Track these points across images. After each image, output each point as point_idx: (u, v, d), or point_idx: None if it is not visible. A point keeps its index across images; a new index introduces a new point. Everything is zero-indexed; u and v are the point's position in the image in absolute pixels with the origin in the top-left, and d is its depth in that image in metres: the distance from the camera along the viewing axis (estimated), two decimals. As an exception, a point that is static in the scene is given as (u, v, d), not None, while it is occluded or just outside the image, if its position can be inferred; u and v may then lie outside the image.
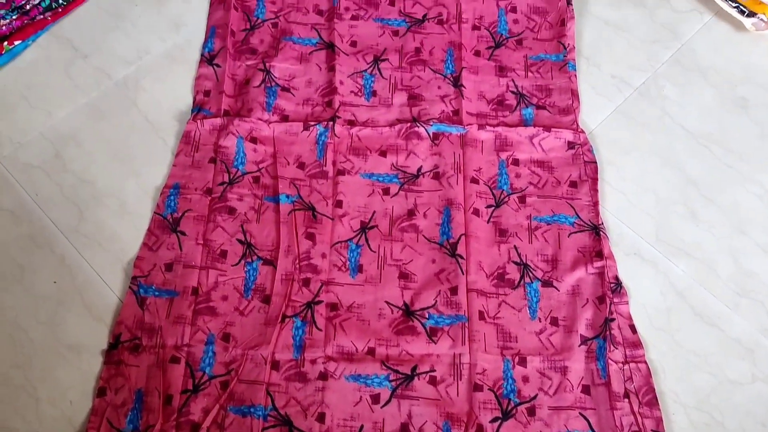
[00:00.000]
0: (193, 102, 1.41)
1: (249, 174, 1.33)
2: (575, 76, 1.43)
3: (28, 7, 1.43)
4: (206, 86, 1.43)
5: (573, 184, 1.32)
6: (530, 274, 1.24)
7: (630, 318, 1.20)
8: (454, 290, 1.21)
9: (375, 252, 1.26)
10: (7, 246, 1.26)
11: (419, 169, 1.34)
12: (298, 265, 1.23)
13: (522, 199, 1.31)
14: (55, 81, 1.44)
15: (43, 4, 1.46)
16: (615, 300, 1.21)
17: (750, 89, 1.43)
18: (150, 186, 1.32)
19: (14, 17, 1.42)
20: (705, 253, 1.27)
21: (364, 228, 1.28)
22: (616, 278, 1.24)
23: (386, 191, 1.32)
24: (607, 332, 1.17)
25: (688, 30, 1.50)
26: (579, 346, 1.17)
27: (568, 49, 1.45)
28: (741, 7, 1.47)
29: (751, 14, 1.46)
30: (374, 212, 1.30)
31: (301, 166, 1.34)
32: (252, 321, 1.20)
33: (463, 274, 1.22)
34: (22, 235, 1.27)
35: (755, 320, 1.21)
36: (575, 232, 1.27)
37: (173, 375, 1.14)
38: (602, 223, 1.28)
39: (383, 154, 1.35)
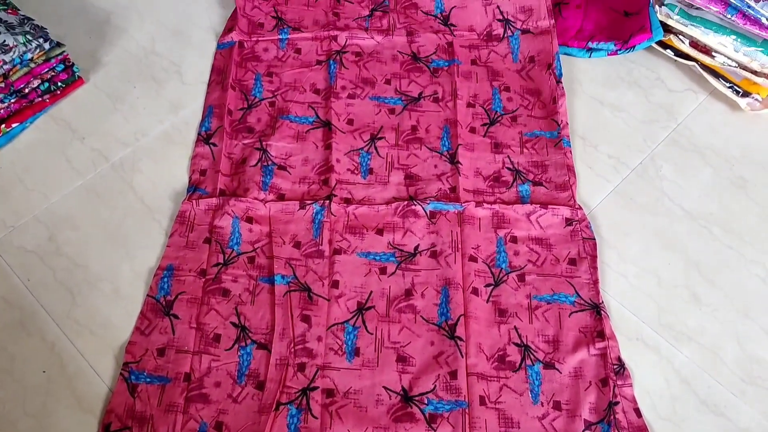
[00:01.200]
0: (189, 181, 1.41)
1: (244, 254, 1.31)
2: (570, 152, 1.43)
3: (26, 90, 1.45)
4: (202, 165, 1.43)
5: (572, 262, 1.30)
6: (531, 356, 1.21)
7: (635, 401, 1.17)
8: (453, 374, 1.18)
9: (372, 334, 1.23)
10: (-3, 334, 1.24)
11: (416, 248, 1.32)
12: (293, 349, 1.21)
13: (521, 278, 1.29)
14: (53, 163, 1.44)
15: (41, 87, 1.47)
16: (619, 382, 1.18)
17: (748, 168, 1.43)
18: (144, 269, 1.31)
19: (12, 100, 1.43)
20: (709, 338, 1.24)
21: (361, 309, 1.26)
22: (619, 359, 1.20)
23: (383, 270, 1.30)
24: (612, 417, 1.14)
25: (684, 110, 1.51)
26: (583, 431, 1.13)
27: (561, 126, 1.46)
28: (735, 87, 1.48)
29: (746, 94, 1.47)
30: (371, 292, 1.28)
31: (297, 245, 1.33)
32: (245, 409, 1.16)
33: (462, 357, 1.19)
34: (14, 321, 1.24)
35: (763, 408, 1.17)
36: (576, 312, 1.25)
37: (164, 468, 1.10)
38: (602, 302, 1.26)
39: (380, 232, 1.34)
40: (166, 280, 1.28)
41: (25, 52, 1.38)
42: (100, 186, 1.41)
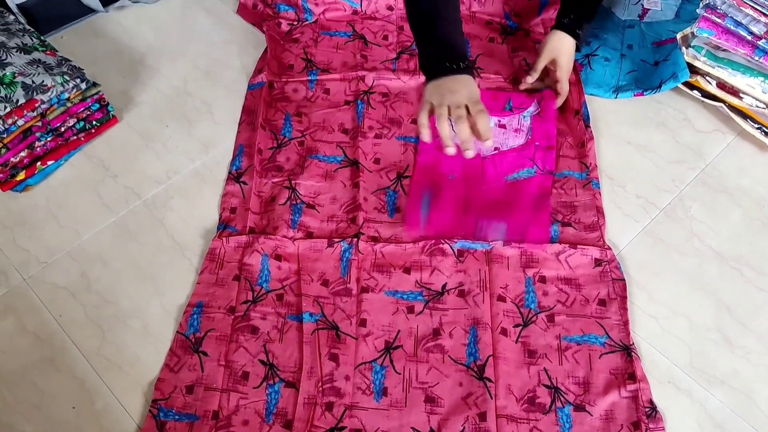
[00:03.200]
0: (219, 219, 1.43)
1: (273, 292, 1.32)
2: (599, 193, 1.43)
3: (62, 129, 1.48)
4: (232, 203, 1.45)
5: (602, 303, 1.29)
6: (562, 398, 1.19)
7: (668, 446, 1.15)
8: (482, 416, 1.17)
9: (400, 374, 1.23)
10: (29, 370, 1.24)
11: (444, 287, 1.32)
12: (321, 388, 1.20)
13: (550, 318, 1.28)
14: (85, 200, 1.47)
15: (77, 126, 1.51)
16: (651, 426, 1.16)
17: (778, 210, 1.42)
18: (173, 306, 1.31)
19: (49, 139, 1.47)
20: (742, 381, 1.22)
21: (389, 348, 1.25)
22: (651, 402, 1.19)
23: (411, 309, 1.30)
24: (645, 462, 1.12)
25: (712, 150, 1.50)
26: (616, 477, 1.11)
27: (590, 168, 1.46)
28: (763, 128, 1.48)
29: (775, 135, 1.47)
30: (399, 331, 1.27)
31: (325, 283, 1.33)
32: (273, 448, 1.16)
33: (491, 398, 1.18)
34: (44, 357, 1.26)
35: (802, 455, 1.15)
36: (606, 353, 1.23)
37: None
38: (633, 344, 1.24)
39: (407, 271, 1.34)
40: (195, 317, 1.29)
41: (62, 92, 1.42)
42: (131, 223, 1.43)
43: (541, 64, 1.52)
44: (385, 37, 1.70)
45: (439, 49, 1.27)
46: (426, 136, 1.22)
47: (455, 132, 1.19)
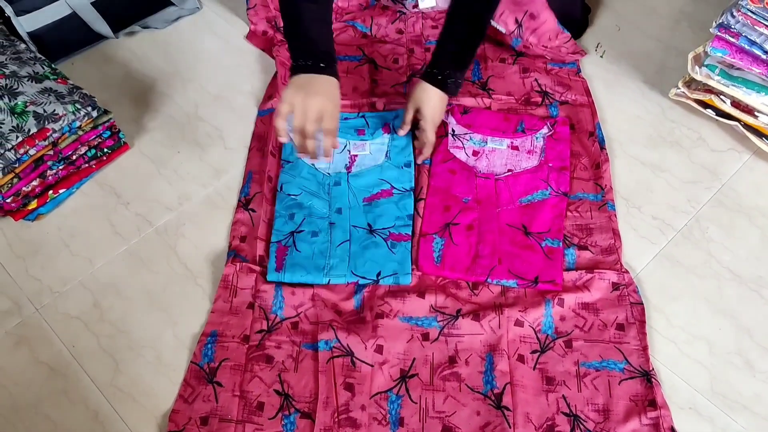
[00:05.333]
0: (229, 247, 1.42)
1: (287, 319, 1.31)
2: (615, 215, 1.41)
3: (74, 157, 1.48)
4: (242, 231, 1.44)
5: (620, 327, 1.27)
6: (581, 426, 1.18)
7: (691, 475, 1.13)
8: (501, 446, 1.15)
9: (416, 403, 1.21)
10: (42, 401, 1.23)
11: (458, 311, 1.30)
12: (336, 419, 1.19)
13: (568, 344, 1.26)
14: (97, 228, 1.46)
15: (88, 154, 1.51)
16: (674, 454, 1.14)
17: (796, 230, 1.40)
18: (186, 335, 1.31)
19: (60, 167, 1.47)
20: (765, 406, 1.20)
21: (404, 377, 1.24)
22: (672, 429, 1.17)
23: (426, 336, 1.28)
24: (669, 492, 1.09)
25: (728, 170, 1.49)
26: (638, 507, 1.09)
27: (605, 190, 1.44)
28: (779, 146, 1.47)
29: (791, 154, 1.46)
30: (414, 359, 1.26)
31: (339, 312, 1.32)
32: (289, 481, 1.14)
33: (510, 427, 1.16)
34: (57, 389, 1.25)
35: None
36: (626, 379, 1.22)
37: None
38: (653, 369, 1.22)
39: (421, 294, 1.33)
40: (210, 346, 1.28)
41: (73, 121, 1.42)
42: (143, 251, 1.43)
43: (408, 115, 1.46)
44: (395, 60, 1.69)
45: (303, 44, 1.28)
46: (285, 138, 1.26)
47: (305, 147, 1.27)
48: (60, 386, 1.25)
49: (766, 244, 1.38)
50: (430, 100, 1.41)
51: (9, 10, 1.61)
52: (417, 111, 1.44)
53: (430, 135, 1.45)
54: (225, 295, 1.34)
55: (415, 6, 1.74)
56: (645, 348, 1.25)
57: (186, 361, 1.27)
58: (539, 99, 1.60)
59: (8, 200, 1.40)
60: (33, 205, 1.46)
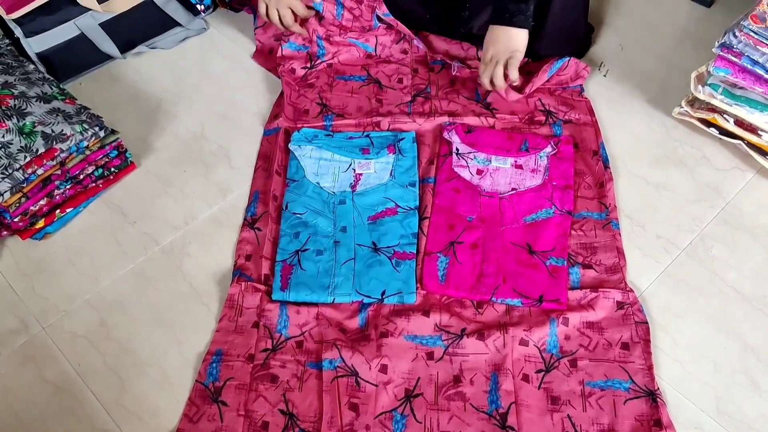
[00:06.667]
0: (234, 266, 1.42)
1: (292, 338, 1.31)
2: (619, 234, 1.42)
3: (81, 176, 1.49)
4: (247, 250, 1.44)
5: (625, 346, 1.27)
6: (586, 446, 1.17)
7: (698, 495, 1.12)
8: (506, 466, 1.15)
9: (421, 423, 1.21)
10: (48, 420, 1.24)
11: (463, 330, 1.30)
12: (341, 439, 1.19)
13: (573, 363, 1.26)
14: (104, 247, 1.47)
15: (95, 173, 1.52)
16: (680, 475, 1.13)
17: (801, 249, 1.40)
18: (192, 354, 1.31)
19: (68, 187, 1.48)
20: (771, 426, 1.20)
21: (409, 396, 1.24)
22: (679, 449, 1.16)
23: (430, 355, 1.28)
24: None
25: (732, 189, 1.49)
26: None
27: (609, 209, 1.45)
28: (783, 165, 1.47)
29: (795, 172, 1.46)
30: (419, 378, 1.26)
31: (343, 331, 1.32)
32: (294, 501, 1.14)
33: (515, 447, 1.16)
34: (63, 408, 1.25)
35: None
36: (631, 399, 1.21)
37: None
38: (658, 389, 1.22)
39: (426, 313, 1.33)
40: (214, 365, 1.28)
41: (81, 141, 1.43)
42: (149, 270, 1.43)
43: (484, 58, 1.56)
44: (400, 80, 1.71)
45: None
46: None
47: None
48: (66, 404, 1.26)
49: (770, 262, 1.39)
50: (499, 40, 1.52)
51: (18, 32, 1.63)
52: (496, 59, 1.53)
53: (512, 73, 1.53)
54: (230, 314, 1.35)
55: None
56: (650, 367, 1.24)
57: (191, 380, 1.28)
58: (543, 118, 1.61)
59: (16, 219, 1.42)
60: (40, 224, 1.47)
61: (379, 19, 1.71)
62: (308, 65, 1.73)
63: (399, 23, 1.70)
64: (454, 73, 1.68)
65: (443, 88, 1.69)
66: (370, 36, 1.75)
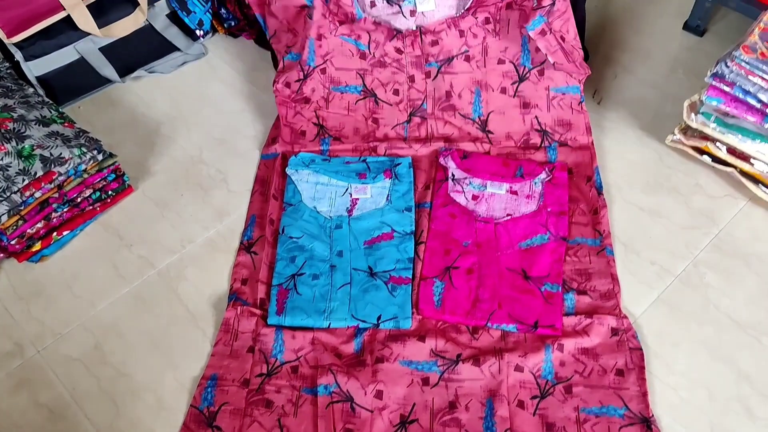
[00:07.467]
0: (230, 290, 1.43)
1: (287, 363, 1.31)
2: (614, 260, 1.42)
3: (79, 199, 1.50)
4: (243, 274, 1.45)
5: (620, 373, 1.27)
6: (581, 473, 1.17)
7: None
8: (501, 493, 1.14)
9: (416, 449, 1.21)
10: (41, 445, 1.24)
11: (458, 356, 1.31)
12: (336, 464, 1.19)
13: (568, 389, 1.26)
14: (100, 270, 1.47)
15: (93, 196, 1.52)
16: (675, 502, 1.13)
17: (793, 277, 1.41)
18: (187, 378, 1.31)
19: (65, 209, 1.48)
20: (765, 454, 1.20)
21: (404, 422, 1.24)
22: (674, 477, 1.16)
23: (426, 381, 1.28)
24: None
25: (725, 216, 1.50)
26: None
27: (604, 236, 1.46)
28: (775, 193, 1.49)
29: (787, 199, 1.47)
30: (414, 404, 1.26)
31: (339, 356, 1.32)
32: None
33: (510, 474, 1.16)
34: (57, 432, 1.25)
35: None
36: (626, 426, 1.21)
37: None
38: (653, 416, 1.22)
39: (422, 338, 1.33)
40: (209, 390, 1.28)
41: (79, 164, 1.44)
42: (145, 293, 1.44)
43: None
44: (396, 92, 1.68)
45: None
46: None
47: None
48: (60, 428, 1.25)
49: (763, 289, 1.39)
50: None
51: (19, 55, 1.65)
52: None
53: None
54: (226, 338, 1.35)
55: (413, 13, 1.64)
56: (645, 394, 1.25)
57: (186, 405, 1.27)
58: (538, 140, 1.62)
59: (13, 242, 1.42)
60: (37, 246, 1.47)
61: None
62: (302, 76, 1.66)
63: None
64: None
65: (439, 102, 1.66)
66: (362, 32, 1.65)
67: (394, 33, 1.64)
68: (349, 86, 1.68)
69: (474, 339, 1.33)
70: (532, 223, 1.48)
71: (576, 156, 1.61)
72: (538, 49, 1.58)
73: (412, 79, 1.67)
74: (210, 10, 1.89)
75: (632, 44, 1.89)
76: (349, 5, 1.59)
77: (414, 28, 1.64)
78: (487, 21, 1.60)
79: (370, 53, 1.66)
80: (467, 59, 1.64)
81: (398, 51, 1.66)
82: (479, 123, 1.65)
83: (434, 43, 1.64)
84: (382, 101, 1.68)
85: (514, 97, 1.64)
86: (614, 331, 1.32)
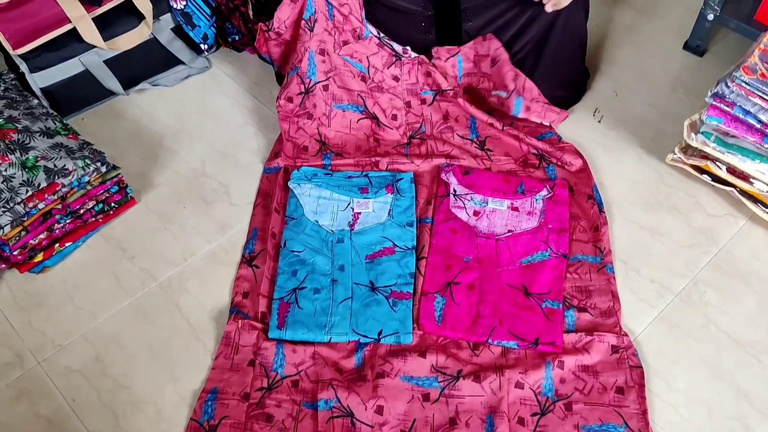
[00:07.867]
0: (231, 303, 1.43)
1: (288, 378, 1.31)
2: (614, 278, 1.43)
3: (82, 211, 1.50)
4: (245, 288, 1.45)
5: (620, 391, 1.28)
6: (581, 491, 1.17)
7: None
8: None
9: (417, 466, 1.21)
10: (40, 457, 1.23)
11: (459, 372, 1.31)
12: (336, 480, 1.18)
13: (568, 407, 1.26)
14: (102, 282, 1.48)
15: (96, 208, 1.53)
16: None
17: (792, 296, 1.42)
18: (187, 391, 1.31)
19: (68, 221, 1.49)
20: (765, 473, 1.20)
21: (405, 438, 1.24)
22: (674, 495, 1.16)
23: (426, 397, 1.28)
24: None
25: (725, 235, 1.51)
26: None
27: (604, 253, 1.47)
28: (774, 212, 1.50)
29: (786, 219, 1.48)
30: (414, 420, 1.26)
31: (339, 371, 1.32)
32: None
33: (510, 491, 1.16)
34: (57, 444, 1.25)
35: None
36: (626, 444, 1.22)
37: None
38: (653, 434, 1.23)
39: (423, 354, 1.33)
40: (210, 403, 1.28)
41: (83, 176, 1.44)
42: (147, 305, 1.44)
43: None
44: (394, 117, 1.71)
45: None
46: None
47: None
48: (59, 441, 1.25)
49: (763, 308, 1.40)
50: None
51: (24, 67, 1.66)
52: None
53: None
54: (226, 351, 1.35)
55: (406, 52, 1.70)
56: (645, 412, 1.25)
57: (186, 418, 1.27)
58: (536, 161, 1.64)
59: (15, 253, 1.42)
60: (39, 257, 1.47)
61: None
62: (303, 89, 1.67)
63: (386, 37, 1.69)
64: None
65: (437, 125, 1.71)
66: (362, 56, 1.68)
67: (393, 60, 1.69)
68: (351, 104, 1.71)
69: (475, 355, 1.34)
70: (533, 239, 1.49)
71: (573, 176, 1.62)
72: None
73: (408, 104, 1.72)
74: (214, 25, 1.90)
75: (633, 63, 1.90)
76: (359, 19, 1.62)
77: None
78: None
79: (369, 77, 1.70)
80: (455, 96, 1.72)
81: (395, 79, 1.71)
82: (477, 143, 1.67)
83: (427, 74, 1.71)
84: (384, 125, 1.71)
85: (502, 130, 1.69)
86: (614, 349, 1.32)
